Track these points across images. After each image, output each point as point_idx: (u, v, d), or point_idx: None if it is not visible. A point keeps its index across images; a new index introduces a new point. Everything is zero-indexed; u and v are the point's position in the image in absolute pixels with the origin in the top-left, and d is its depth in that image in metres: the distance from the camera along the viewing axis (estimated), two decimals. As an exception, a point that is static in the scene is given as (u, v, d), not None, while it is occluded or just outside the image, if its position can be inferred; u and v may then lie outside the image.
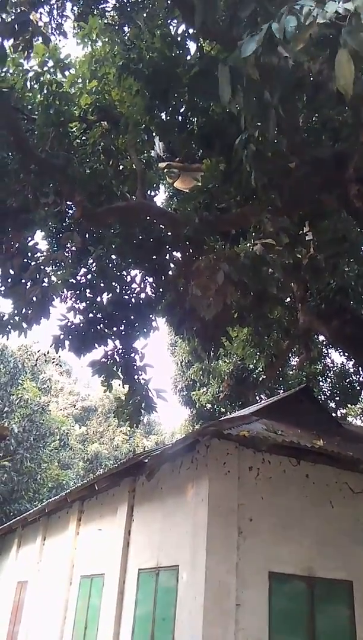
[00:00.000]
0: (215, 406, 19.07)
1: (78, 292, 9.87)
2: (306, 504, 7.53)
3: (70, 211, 9.38)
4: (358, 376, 18.02)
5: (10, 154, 8.16)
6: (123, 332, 9.93)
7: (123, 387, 10.03)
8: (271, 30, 3.44)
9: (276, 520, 7.24)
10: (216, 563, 6.58)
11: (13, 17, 5.76)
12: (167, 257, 9.38)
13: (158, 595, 7.64)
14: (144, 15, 7.84)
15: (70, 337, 9.45)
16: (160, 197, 12.83)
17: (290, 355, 16.22)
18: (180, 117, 8.11)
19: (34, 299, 8.27)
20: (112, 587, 8.87)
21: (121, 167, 9.03)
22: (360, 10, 3.01)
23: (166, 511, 8.05)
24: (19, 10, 5.83)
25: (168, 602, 7.26)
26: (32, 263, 8.76)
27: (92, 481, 9.99)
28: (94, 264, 9.84)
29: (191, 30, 7.29)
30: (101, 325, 9.75)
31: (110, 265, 9.81)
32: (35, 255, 9.07)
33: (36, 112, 8.15)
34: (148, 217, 8.83)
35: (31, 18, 6.03)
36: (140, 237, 9.21)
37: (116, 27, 8.45)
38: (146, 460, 7.72)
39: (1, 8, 5.47)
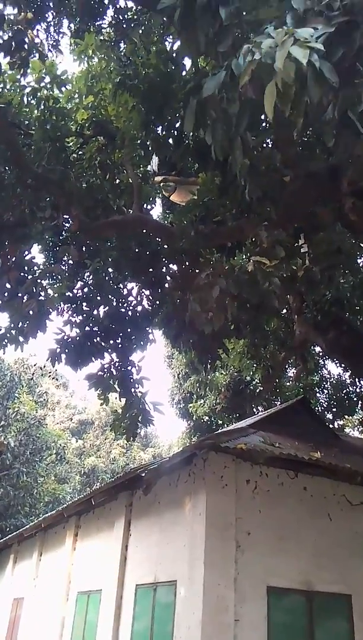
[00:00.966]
0: (212, 418, 19.03)
1: (75, 305, 9.88)
2: (304, 517, 7.50)
3: (67, 225, 9.42)
4: (355, 387, 18.04)
5: (7, 168, 8.20)
6: (120, 345, 9.93)
7: (120, 400, 10.00)
8: (230, 68, 3.62)
9: (274, 533, 7.20)
10: (214, 577, 6.54)
11: (10, 35, 5.84)
12: (163, 269, 9.41)
13: (156, 611, 7.56)
14: (140, 31, 7.95)
15: (66, 350, 9.43)
16: (156, 211, 12.89)
17: (286, 366, 16.22)
18: (176, 132, 8.18)
19: (31, 312, 8.26)
20: (109, 602, 8.78)
21: (117, 181, 9.08)
22: (285, 44, 3.25)
23: (164, 525, 8.00)
24: (16, 29, 5.90)
25: (165, 618, 7.18)
26: (29, 277, 8.75)
27: (89, 496, 9.94)
28: (90, 278, 9.86)
29: (186, 47, 7.38)
30: (98, 339, 9.74)
31: (107, 278, 9.83)
32: (32, 269, 9.05)
33: (33, 128, 8.21)
34: (144, 231, 8.87)
35: (28, 36, 6.12)
36: (136, 250, 9.24)
37: (112, 44, 8.54)
38: (143, 474, 7.68)
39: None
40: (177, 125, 7.97)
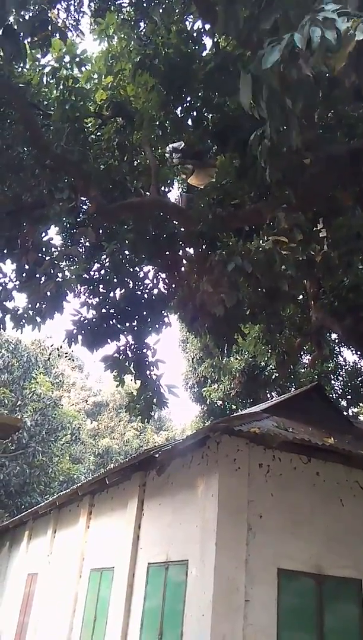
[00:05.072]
0: (226, 403, 19.08)
1: (91, 287, 9.93)
2: (316, 502, 7.52)
3: (84, 207, 9.42)
4: (370, 375, 17.91)
5: (26, 149, 8.21)
6: (135, 328, 9.97)
7: (135, 383, 10.08)
8: (293, 41, 3.46)
9: (285, 517, 7.24)
10: (225, 559, 6.61)
11: (32, 14, 5.79)
12: (180, 253, 9.40)
13: (167, 590, 7.68)
14: (161, 10, 7.82)
15: (83, 332, 9.51)
16: (174, 193, 12.84)
17: (301, 353, 16.16)
18: (195, 113, 8.10)
19: (48, 293, 8.33)
20: (121, 580, 8.93)
21: (135, 162, 9.04)
22: None
23: (176, 506, 8.09)
24: (38, 8, 5.85)
25: (177, 597, 7.30)
26: (47, 258, 8.81)
27: (103, 475, 10.07)
28: (107, 260, 9.88)
29: (207, 26, 7.28)
30: (114, 321, 9.80)
31: (123, 260, 9.84)
32: (50, 251, 9.13)
33: (52, 108, 8.19)
34: (162, 213, 8.84)
35: (50, 15, 6.06)
36: (153, 233, 9.22)
37: (132, 23, 8.44)
38: (157, 455, 7.76)
39: (22, 5, 5.50)
40: (196, 105, 7.88)
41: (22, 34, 5.75)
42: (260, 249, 6.17)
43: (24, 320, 8.81)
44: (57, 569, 12.88)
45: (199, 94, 7.81)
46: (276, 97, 3.91)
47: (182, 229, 8.87)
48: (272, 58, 3.57)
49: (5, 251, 8.73)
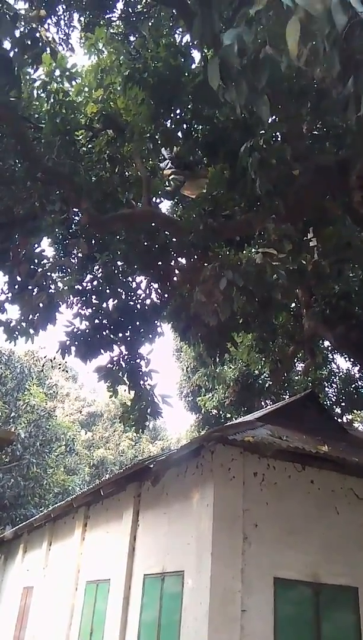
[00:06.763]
0: (221, 412, 19.08)
1: (84, 298, 9.94)
2: (311, 510, 7.53)
3: (76, 218, 9.47)
4: (364, 382, 17.97)
5: (17, 162, 8.26)
6: (129, 338, 9.99)
7: (129, 393, 10.08)
8: (247, 12, 3.58)
9: (281, 526, 7.25)
10: (221, 569, 6.60)
11: (22, 32, 5.84)
12: (172, 263, 9.45)
13: (164, 601, 7.65)
14: (150, 25, 7.95)
15: (76, 343, 9.51)
16: (165, 204, 12.92)
17: (295, 360, 16.21)
18: (185, 125, 8.19)
19: (41, 305, 8.34)
20: (117, 592, 8.88)
21: (126, 174, 9.11)
22: None
23: (172, 516, 8.07)
24: (28, 26, 5.91)
25: (173, 608, 7.27)
26: (39, 270, 8.83)
27: (97, 486, 10.03)
28: (100, 271, 9.91)
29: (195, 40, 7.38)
30: (107, 331, 9.81)
31: (116, 271, 9.88)
32: (42, 262, 9.15)
33: (43, 121, 8.25)
34: (153, 224, 8.90)
35: (40, 33, 6.13)
36: (145, 244, 9.27)
37: (122, 37, 8.56)
38: (152, 466, 7.75)
39: (13, 24, 5.55)
40: (186, 118, 7.97)
41: (14, 51, 5.79)
42: (251, 261, 6.23)
43: (17, 332, 8.81)
44: (53, 582, 12.78)
45: (189, 106, 7.90)
46: (243, 76, 3.98)
47: (174, 240, 8.93)
48: (232, 34, 3.68)
49: (-3, 263, 8.74)
